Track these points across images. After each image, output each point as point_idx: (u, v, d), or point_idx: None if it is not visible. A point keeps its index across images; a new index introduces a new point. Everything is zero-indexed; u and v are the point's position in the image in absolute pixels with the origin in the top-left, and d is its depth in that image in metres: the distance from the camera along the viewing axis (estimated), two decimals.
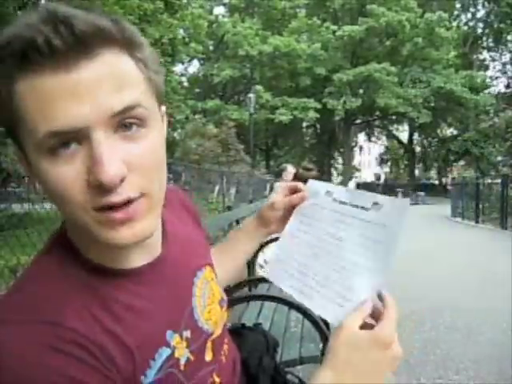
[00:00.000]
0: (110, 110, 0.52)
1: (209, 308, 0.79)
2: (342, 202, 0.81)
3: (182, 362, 0.67)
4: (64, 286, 0.59)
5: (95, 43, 0.51)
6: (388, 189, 34.12)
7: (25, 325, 0.53)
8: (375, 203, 0.76)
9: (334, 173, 49.13)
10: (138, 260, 0.67)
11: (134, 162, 0.55)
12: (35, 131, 0.51)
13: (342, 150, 38.62)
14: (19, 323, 0.53)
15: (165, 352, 0.65)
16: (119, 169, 0.52)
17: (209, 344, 0.76)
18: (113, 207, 0.54)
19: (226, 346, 0.83)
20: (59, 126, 0.51)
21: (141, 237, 0.58)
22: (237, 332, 0.96)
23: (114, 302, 0.61)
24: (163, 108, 0.66)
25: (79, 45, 0.50)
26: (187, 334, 0.70)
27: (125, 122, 0.54)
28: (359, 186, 43.64)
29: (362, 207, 0.77)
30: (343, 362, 0.65)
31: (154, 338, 0.64)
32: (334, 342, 0.66)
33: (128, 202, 0.55)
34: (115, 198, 0.54)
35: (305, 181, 3.81)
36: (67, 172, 0.53)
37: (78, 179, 0.53)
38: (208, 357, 0.75)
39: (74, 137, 0.52)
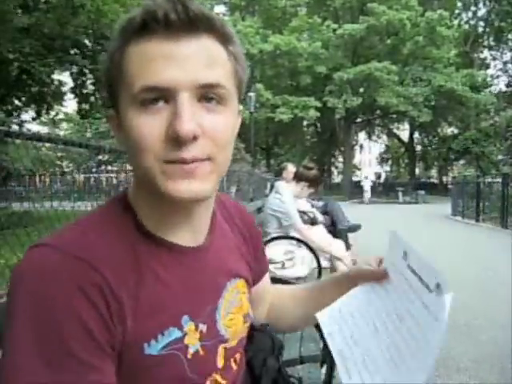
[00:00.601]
0: (198, 80, 0.61)
1: (231, 316, 0.79)
2: (413, 271, 0.76)
3: (191, 351, 0.69)
4: (112, 237, 0.65)
5: (201, 27, 0.62)
6: (388, 187, 34.11)
7: (66, 255, 0.60)
8: (438, 285, 0.71)
9: (335, 171, 49.15)
10: (184, 239, 0.72)
11: (207, 129, 0.63)
12: (133, 85, 0.61)
13: (342, 148, 38.60)
14: (62, 252, 0.60)
15: (175, 333, 0.67)
16: (194, 127, 0.61)
17: (221, 350, 0.76)
18: (180, 162, 0.62)
19: (238, 355, 0.83)
20: (154, 82, 0.60)
21: (197, 194, 0.64)
22: None
23: (149, 268, 0.66)
24: (240, 106, 0.75)
25: (189, 24, 0.61)
26: (203, 328, 0.72)
27: (207, 95, 0.63)
28: (360, 184, 43.65)
29: (427, 286, 0.72)
30: None
31: (168, 315, 0.67)
32: None
33: (194, 161, 0.62)
34: (185, 154, 0.61)
35: (306, 179, 3.80)
36: (151, 123, 0.61)
37: (159, 131, 0.61)
38: (220, 363, 0.76)
39: (164, 95, 0.61)
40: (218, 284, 0.77)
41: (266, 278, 1.03)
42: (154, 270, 0.67)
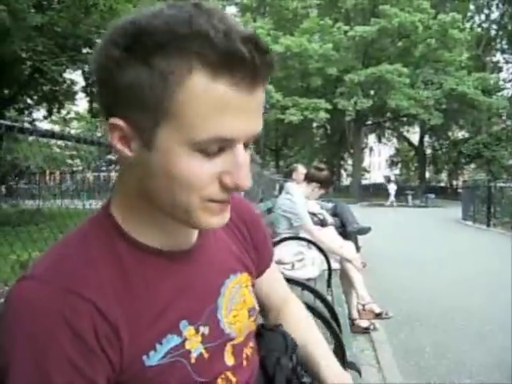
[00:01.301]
0: (255, 131, 0.61)
1: (235, 312, 0.78)
2: None
3: (194, 355, 0.67)
4: (99, 256, 0.63)
5: (269, 73, 0.60)
6: (398, 191, 33.96)
7: (54, 288, 0.58)
8: None
9: (344, 174, 48.99)
10: (174, 244, 0.70)
11: None
12: (194, 130, 0.56)
13: (351, 151, 38.47)
14: (50, 285, 0.58)
15: (173, 340, 0.65)
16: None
17: (229, 347, 0.75)
18: (221, 202, 0.63)
19: (249, 350, 0.82)
20: (227, 134, 0.57)
21: (224, 224, 0.67)
22: (256, 332, 0.95)
23: (139, 278, 0.65)
24: None
25: (266, 70, 0.58)
26: (205, 330, 0.70)
27: (249, 141, 0.62)
28: (369, 186, 43.50)
29: None
30: None
31: (165, 323, 0.65)
32: None
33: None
34: (230, 197, 0.63)
35: (317, 180, 3.79)
36: (205, 166, 0.59)
37: (211, 174, 0.59)
38: (229, 361, 0.75)
39: (223, 144, 0.59)
40: (215, 283, 0.76)
41: (273, 275, 0.99)
42: (144, 279, 0.65)
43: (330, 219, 4.46)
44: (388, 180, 33.83)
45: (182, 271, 0.70)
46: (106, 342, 0.59)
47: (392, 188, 29.85)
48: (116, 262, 0.64)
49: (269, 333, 1.00)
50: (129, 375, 0.61)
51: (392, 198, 29.17)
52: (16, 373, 0.55)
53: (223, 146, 0.59)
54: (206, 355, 0.69)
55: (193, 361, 0.67)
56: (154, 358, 0.63)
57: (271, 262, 0.98)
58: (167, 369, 0.64)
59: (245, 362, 0.79)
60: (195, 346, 0.68)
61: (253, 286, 0.87)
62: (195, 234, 0.75)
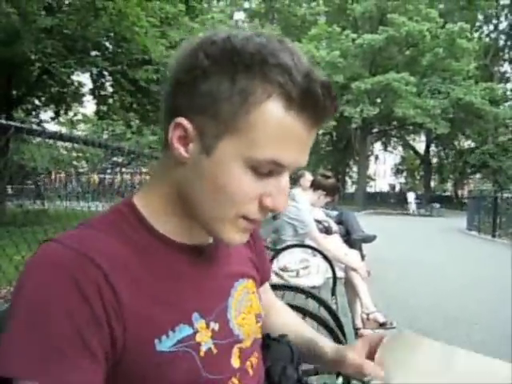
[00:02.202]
0: (304, 163, 0.67)
1: (243, 315, 0.79)
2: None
3: (204, 348, 0.68)
4: (121, 237, 0.67)
5: (332, 117, 0.69)
6: (402, 199, 33.84)
7: (71, 250, 0.60)
8: None
9: (349, 181, 48.89)
10: (192, 238, 0.74)
11: None
12: (257, 150, 0.62)
13: (357, 158, 38.39)
14: (68, 248, 0.61)
15: (186, 330, 0.67)
16: None
17: (236, 350, 0.76)
18: (251, 221, 0.67)
19: (254, 359, 0.82)
20: (281, 160, 0.63)
21: (242, 243, 0.72)
22: (262, 342, 0.95)
23: (157, 266, 0.67)
24: None
25: (331, 115, 0.65)
26: (215, 326, 0.72)
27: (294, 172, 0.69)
28: (374, 194, 43.38)
29: None
30: None
31: (178, 312, 0.67)
32: None
33: None
34: (260, 218, 0.68)
35: (323, 188, 3.78)
36: (253, 184, 0.64)
37: (256, 194, 0.65)
38: (235, 363, 0.75)
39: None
40: (227, 283, 0.78)
41: (268, 287, 1.04)
42: (162, 267, 0.68)
43: (334, 227, 4.45)
44: (409, 189, 34.05)
45: (198, 265, 0.73)
46: (112, 312, 0.60)
47: (411, 197, 29.86)
48: (137, 248, 0.67)
49: (274, 343, 1.00)
50: (136, 354, 0.62)
51: (413, 206, 29.23)
52: (19, 323, 0.56)
53: (273, 169, 0.64)
54: (214, 351, 0.70)
55: (202, 354, 0.68)
56: (165, 344, 0.64)
57: (270, 275, 1.02)
58: (176, 358, 0.65)
59: (250, 371, 0.79)
60: (205, 340, 0.69)
61: (258, 293, 0.88)
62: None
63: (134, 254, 0.66)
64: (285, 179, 0.66)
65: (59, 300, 0.57)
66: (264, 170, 0.63)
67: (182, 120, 0.63)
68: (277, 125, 0.61)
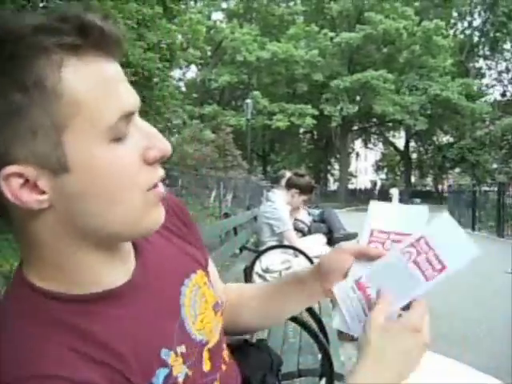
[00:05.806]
0: (137, 97, 0.58)
1: (201, 317, 0.74)
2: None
3: (181, 379, 0.64)
4: (38, 330, 0.55)
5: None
6: (384, 195, 34.15)
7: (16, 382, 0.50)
8: None
9: (331, 179, 49.21)
10: (116, 278, 0.62)
11: None
12: (104, 118, 0.52)
13: (338, 156, 38.69)
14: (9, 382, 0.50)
15: (162, 373, 0.61)
16: None
17: (205, 354, 0.72)
18: (155, 186, 0.59)
19: (225, 353, 0.80)
20: (130, 106, 0.55)
21: (164, 215, 0.63)
22: (239, 348, 0.93)
23: (95, 332, 0.57)
24: None
25: (119, 43, 0.56)
26: (182, 349, 0.66)
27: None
28: (356, 191, 43.73)
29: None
30: (376, 348, 0.69)
31: (148, 361, 0.61)
32: (365, 332, 0.71)
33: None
34: (161, 173, 0.59)
35: (297, 186, 3.75)
36: (128, 153, 0.55)
37: (136, 160, 0.56)
38: (206, 367, 0.71)
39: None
40: (173, 297, 0.70)
41: (213, 273, 0.91)
42: (101, 330, 0.58)
43: (315, 226, 4.46)
44: (391, 185, 34.31)
45: (135, 302, 0.63)
46: None
47: (395, 192, 30.14)
48: (62, 327, 0.56)
49: (253, 349, 0.98)
50: None
51: (395, 202, 29.40)
52: None
53: (126, 124, 0.55)
54: (190, 374, 0.66)
55: None
56: None
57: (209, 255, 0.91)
58: None
59: (224, 367, 0.78)
60: (180, 370, 0.64)
61: (209, 279, 0.81)
62: (131, 259, 0.67)
63: (66, 335, 0.55)
64: (143, 123, 0.58)
65: None
66: (121, 131, 0.54)
67: (11, 168, 0.51)
68: (89, 83, 0.52)
